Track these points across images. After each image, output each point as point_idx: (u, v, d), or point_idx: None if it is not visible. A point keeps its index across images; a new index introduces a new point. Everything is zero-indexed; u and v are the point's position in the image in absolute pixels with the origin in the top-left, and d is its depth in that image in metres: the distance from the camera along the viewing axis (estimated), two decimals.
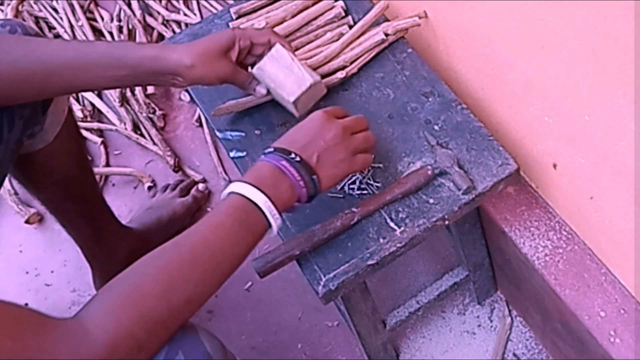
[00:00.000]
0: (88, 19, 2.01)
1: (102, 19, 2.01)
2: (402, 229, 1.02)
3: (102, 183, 1.73)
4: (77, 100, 1.87)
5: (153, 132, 1.77)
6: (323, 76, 1.16)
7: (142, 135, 1.79)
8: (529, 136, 1.09)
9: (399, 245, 1.01)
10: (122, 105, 1.80)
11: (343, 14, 1.26)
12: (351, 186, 1.07)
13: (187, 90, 1.77)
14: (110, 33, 1.96)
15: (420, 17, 1.19)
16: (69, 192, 1.31)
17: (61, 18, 2.02)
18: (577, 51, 0.84)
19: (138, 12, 1.97)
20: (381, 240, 1.02)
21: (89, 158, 1.77)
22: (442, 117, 1.12)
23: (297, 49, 1.22)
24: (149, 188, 1.70)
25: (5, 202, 1.73)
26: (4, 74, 0.99)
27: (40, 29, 2.03)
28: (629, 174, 0.88)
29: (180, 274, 0.81)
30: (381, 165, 1.09)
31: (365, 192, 1.07)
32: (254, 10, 1.31)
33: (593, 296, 1.05)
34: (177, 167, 1.72)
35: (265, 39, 1.10)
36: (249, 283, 1.50)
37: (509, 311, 1.36)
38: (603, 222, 1.01)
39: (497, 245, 1.23)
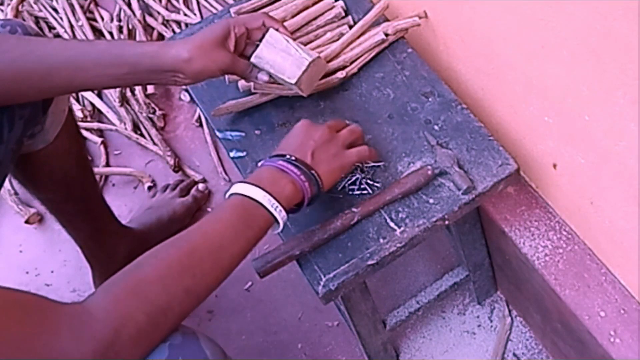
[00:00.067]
0: (88, 19, 2.01)
1: (102, 19, 2.01)
2: (402, 229, 1.02)
3: (102, 183, 1.73)
4: (77, 100, 1.87)
5: (153, 132, 1.77)
6: (323, 76, 1.17)
7: (142, 135, 1.79)
8: (529, 136, 1.09)
9: (399, 245, 1.01)
10: (122, 105, 1.80)
11: (343, 14, 1.26)
12: (351, 186, 1.07)
13: (187, 90, 1.78)
14: (110, 33, 1.96)
15: (420, 17, 1.19)
16: (69, 192, 1.31)
17: (61, 18, 2.02)
18: (577, 51, 0.84)
19: (138, 12, 1.97)
20: (381, 240, 1.02)
21: (89, 158, 1.77)
22: (442, 117, 1.12)
23: None
24: (149, 188, 1.70)
25: (5, 202, 1.73)
26: (4, 74, 0.99)
27: (40, 29, 2.03)
28: (629, 174, 0.88)
29: (179, 263, 0.83)
30: (381, 165, 1.09)
31: (365, 192, 1.07)
32: (254, 10, 1.30)
33: (593, 296, 1.05)
34: (177, 167, 1.72)
35: (259, 22, 1.09)
36: (249, 283, 1.50)
37: (509, 311, 1.36)
38: (603, 222, 1.01)
39: (497, 245, 1.23)
